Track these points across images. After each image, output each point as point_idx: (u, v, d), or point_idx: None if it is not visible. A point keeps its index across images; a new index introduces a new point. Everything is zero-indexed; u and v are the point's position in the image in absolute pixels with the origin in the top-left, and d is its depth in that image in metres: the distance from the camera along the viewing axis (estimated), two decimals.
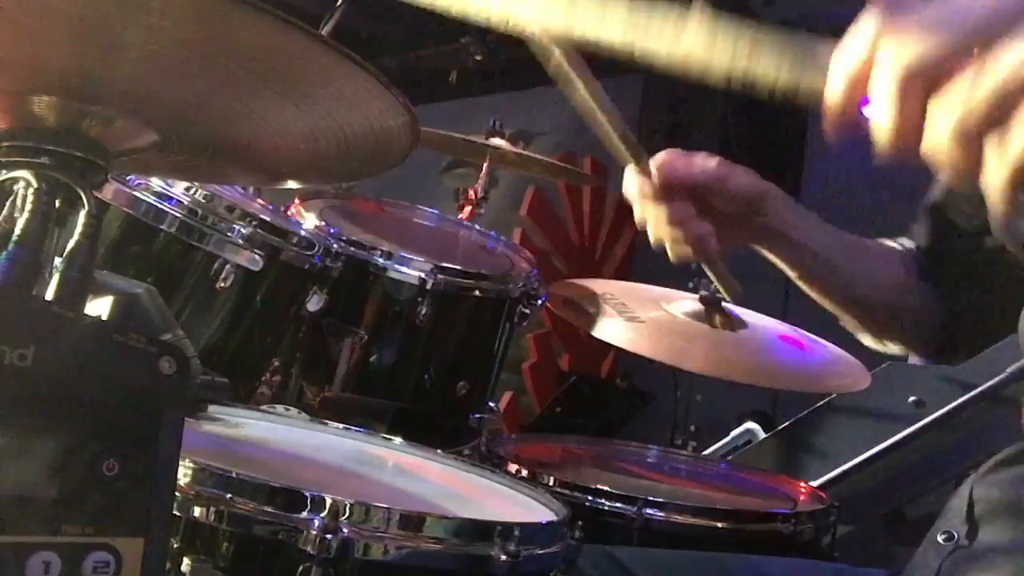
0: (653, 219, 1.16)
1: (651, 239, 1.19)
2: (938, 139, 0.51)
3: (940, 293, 1.27)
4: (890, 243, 1.34)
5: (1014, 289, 1.04)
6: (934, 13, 0.51)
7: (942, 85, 0.51)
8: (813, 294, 1.30)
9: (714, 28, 0.59)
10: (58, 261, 0.69)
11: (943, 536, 0.95)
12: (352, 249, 1.73)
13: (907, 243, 1.33)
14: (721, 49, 0.58)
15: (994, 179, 0.50)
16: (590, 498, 1.39)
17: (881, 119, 0.52)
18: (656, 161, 1.14)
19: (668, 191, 1.14)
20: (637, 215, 1.18)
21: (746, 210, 1.19)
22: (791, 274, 1.27)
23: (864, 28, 0.53)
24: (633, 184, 1.15)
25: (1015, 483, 0.93)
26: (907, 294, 1.27)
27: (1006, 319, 1.03)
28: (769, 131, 4.21)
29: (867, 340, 1.37)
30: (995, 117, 0.50)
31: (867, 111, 0.54)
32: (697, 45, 0.59)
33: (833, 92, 0.54)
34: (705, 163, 1.16)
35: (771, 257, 1.27)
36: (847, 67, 0.54)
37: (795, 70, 0.57)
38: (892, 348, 1.37)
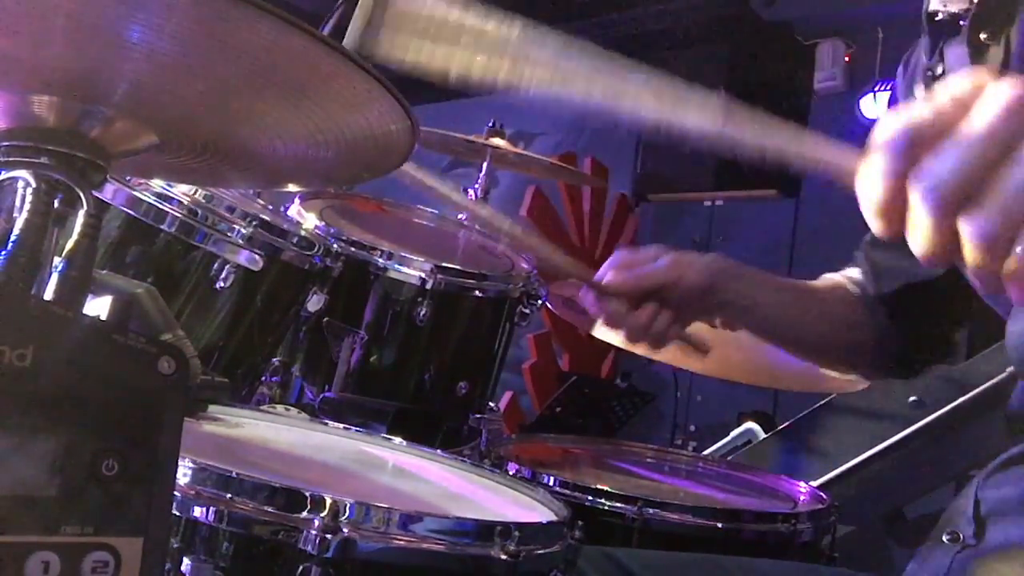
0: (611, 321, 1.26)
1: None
2: (974, 253, 0.52)
3: (900, 322, 1.29)
4: (838, 278, 1.36)
5: (959, 307, 1.09)
6: (956, 140, 0.52)
7: (972, 196, 0.52)
8: (774, 345, 1.36)
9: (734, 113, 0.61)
10: (57, 261, 0.69)
11: (948, 536, 0.95)
12: (352, 249, 1.73)
13: (855, 275, 1.35)
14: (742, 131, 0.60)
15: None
16: (590, 498, 1.39)
17: (919, 239, 0.54)
18: (608, 278, 1.25)
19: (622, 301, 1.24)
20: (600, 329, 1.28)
21: (699, 300, 1.25)
22: (747, 331, 1.33)
23: (890, 152, 0.54)
24: (592, 303, 1.27)
25: (1018, 482, 0.93)
26: (862, 329, 1.30)
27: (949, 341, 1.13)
28: None
29: (835, 375, 1.41)
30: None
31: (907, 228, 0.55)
32: (716, 124, 0.62)
33: (873, 208, 0.56)
34: (654, 268, 1.23)
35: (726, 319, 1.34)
36: (879, 194, 0.55)
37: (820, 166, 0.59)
38: (861, 378, 1.41)
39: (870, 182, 0.55)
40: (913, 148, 0.53)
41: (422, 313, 1.74)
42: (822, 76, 4.37)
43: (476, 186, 2.31)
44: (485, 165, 2.38)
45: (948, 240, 0.53)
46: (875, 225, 0.56)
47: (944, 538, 0.95)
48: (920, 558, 0.98)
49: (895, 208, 0.54)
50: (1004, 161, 0.51)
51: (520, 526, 0.93)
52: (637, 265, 1.25)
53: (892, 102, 1.30)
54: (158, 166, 0.86)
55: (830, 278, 1.37)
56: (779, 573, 1.20)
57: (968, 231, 0.52)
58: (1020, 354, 0.96)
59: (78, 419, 0.57)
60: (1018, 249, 0.51)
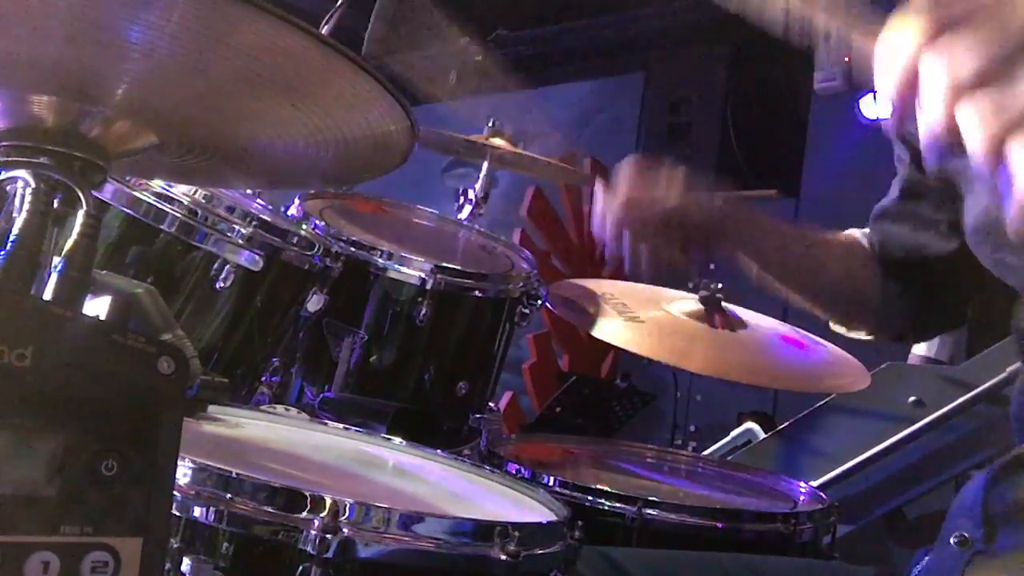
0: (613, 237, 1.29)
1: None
2: (978, 140, 0.52)
3: (909, 292, 1.29)
4: (856, 233, 1.36)
5: (967, 282, 1.10)
6: (982, 22, 0.52)
7: (985, 80, 0.52)
8: (776, 288, 1.36)
9: None
10: (57, 261, 0.69)
11: (956, 540, 0.94)
12: (352, 249, 1.73)
13: (861, 231, 1.36)
14: None
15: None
16: (590, 498, 1.39)
17: (931, 123, 0.54)
18: (620, 194, 1.27)
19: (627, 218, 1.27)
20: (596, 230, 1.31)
21: (706, 234, 1.29)
22: (752, 270, 1.34)
23: (911, 28, 0.54)
24: (599, 206, 1.29)
25: None
26: (870, 284, 1.30)
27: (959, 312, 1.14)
28: (769, 131, 4.21)
29: (835, 326, 1.41)
30: None
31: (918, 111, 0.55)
32: None
33: (885, 88, 0.56)
34: (667, 193, 1.27)
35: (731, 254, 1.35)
36: (897, 69, 0.55)
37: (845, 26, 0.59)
38: (858, 333, 1.40)
39: (892, 46, 0.55)
40: (944, 16, 0.53)
41: (422, 313, 1.74)
42: (822, 76, 4.37)
43: (476, 186, 2.31)
44: (485, 165, 2.38)
45: (953, 119, 0.53)
46: (887, 90, 0.56)
47: (952, 540, 0.95)
48: (928, 561, 0.98)
49: (912, 75, 0.54)
50: (1018, 51, 0.51)
51: (520, 526, 0.93)
52: (649, 188, 1.28)
53: None
54: (158, 166, 0.86)
55: (847, 232, 1.37)
56: (775, 569, 1.20)
57: (983, 105, 0.52)
58: (1021, 335, 0.96)
59: (78, 419, 0.57)
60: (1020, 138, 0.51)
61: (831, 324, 1.42)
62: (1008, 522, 0.92)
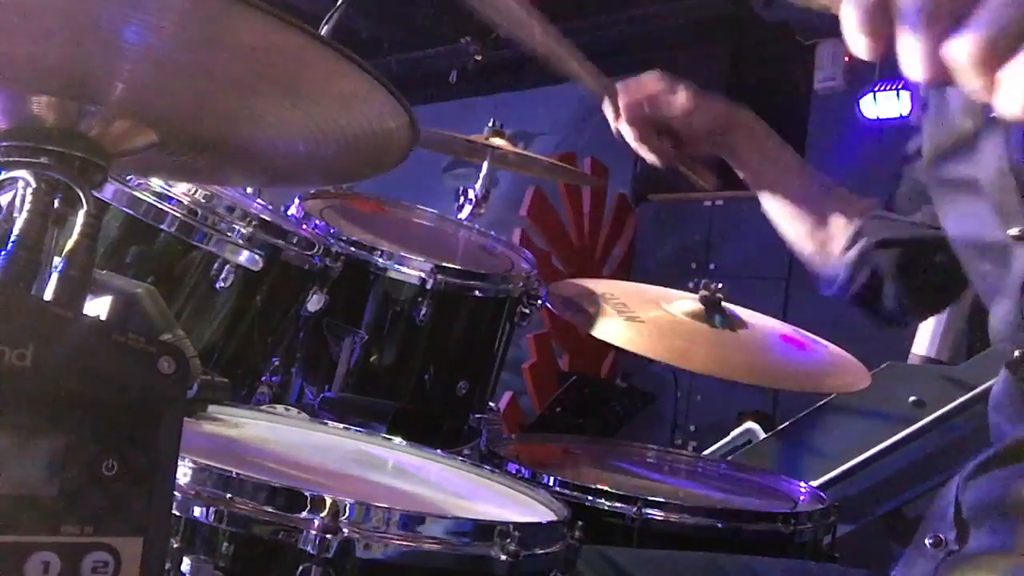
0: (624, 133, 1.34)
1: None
2: (962, 59, 0.51)
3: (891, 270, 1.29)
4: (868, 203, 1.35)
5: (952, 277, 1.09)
6: None
7: (965, 7, 0.51)
8: (772, 213, 1.37)
9: None
10: (57, 261, 0.69)
11: (931, 541, 0.95)
12: (352, 249, 1.73)
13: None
14: None
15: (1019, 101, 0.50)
16: (590, 498, 1.39)
17: (909, 51, 0.53)
18: (626, 91, 1.33)
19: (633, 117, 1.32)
20: (613, 127, 1.36)
21: (711, 139, 1.32)
22: (754, 191, 1.37)
23: None
24: (606, 108, 1.35)
25: (999, 484, 0.92)
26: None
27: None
28: None
29: (815, 264, 1.40)
30: (1014, 43, 0.50)
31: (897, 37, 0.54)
32: None
33: (854, 21, 0.55)
34: (674, 99, 1.32)
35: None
36: (864, 9, 0.54)
37: None
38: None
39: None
40: None
41: (422, 313, 1.74)
42: (822, 76, 4.38)
43: (476, 186, 2.31)
44: (485, 165, 2.38)
45: (936, 59, 0.52)
46: (858, 45, 0.55)
47: (927, 542, 0.95)
48: (905, 563, 0.98)
49: (880, 25, 0.53)
50: None
51: (520, 526, 0.93)
52: (657, 94, 1.33)
53: None
54: (158, 165, 0.86)
55: (864, 201, 1.37)
56: (772, 570, 1.20)
57: (955, 42, 0.51)
58: (1002, 336, 0.96)
59: (78, 419, 0.57)
60: (1008, 67, 0.50)
61: (812, 262, 1.40)
62: (980, 524, 0.92)
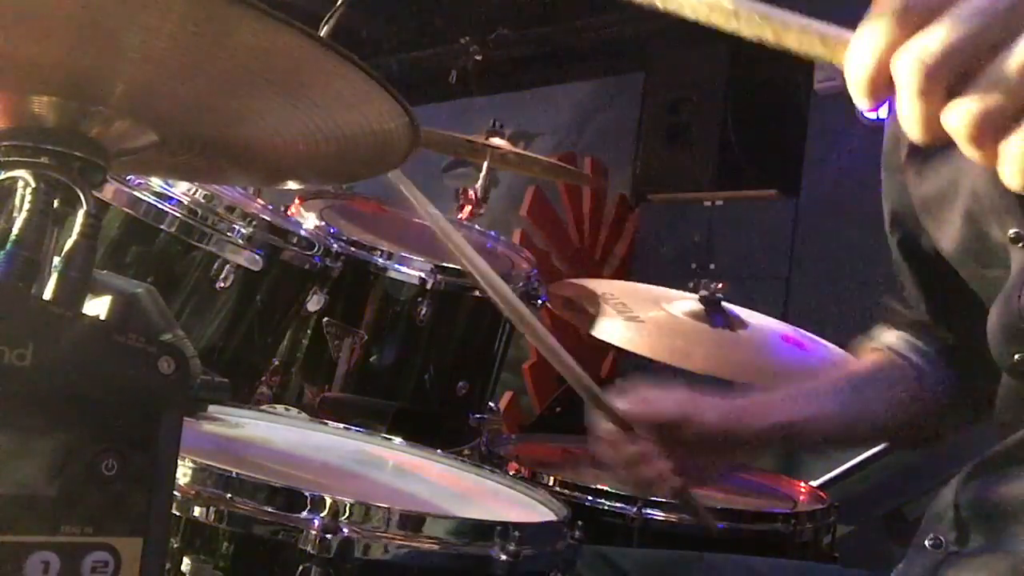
0: (618, 459, 1.10)
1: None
2: (961, 132, 0.50)
3: (947, 370, 1.18)
4: (875, 355, 1.22)
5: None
6: (952, 13, 0.50)
7: (966, 75, 0.50)
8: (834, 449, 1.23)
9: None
10: (57, 261, 0.69)
11: (931, 542, 0.95)
12: (352, 249, 1.73)
13: (891, 341, 1.21)
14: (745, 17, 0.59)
15: (1017, 166, 0.50)
16: (590, 498, 1.39)
17: (908, 112, 0.52)
18: (623, 405, 1.08)
19: (632, 431, 1.08)
20: (599, 452, 1.13)
21: (722, 441, 1.10)
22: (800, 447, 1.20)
23: (882, 17, 0.53)
24: (598, 426, 1.11)
25: (999, 485, 0.92)
26: (921, 398, 1.17)
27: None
28: (769, 132, 4.20)
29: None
30: (1016, 109, 0.49)
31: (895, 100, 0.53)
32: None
33: (857, 81, 0.54)
34: (671, 405, 1.09)
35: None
36: (868, 56, 0.53)
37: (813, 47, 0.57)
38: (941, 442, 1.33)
39: (859, 53, 0.53)
40: (907, 18, 0.51)
41: (422, 313, 1.74)
42: (822, 76, 4.37)
43: (476, 186, 2.31)
44: (485, 165, 2.38)
45: (936, 124, 0.51)
46: (860, 100, 0.54)
47: (926, 543, 0.95)
48: (904, 563, 0.98)
49: (881, 81, 0.52)
50: (1002, 42, 0.49)
51: (520, 526, 0.93)
52: (651, 397, 1.10)
53: None
54: (158, 165, 0.86)
55: (867, 359, 1.23)
56: (772, 570, 1.20)
57: (955, 111, 0.50)
58: (996, 342, 0.96)
59: (78, 419, 0.57)
60: (1012, 136, 0.49)
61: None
62: (980, 525, 0.92)
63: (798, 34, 0.56)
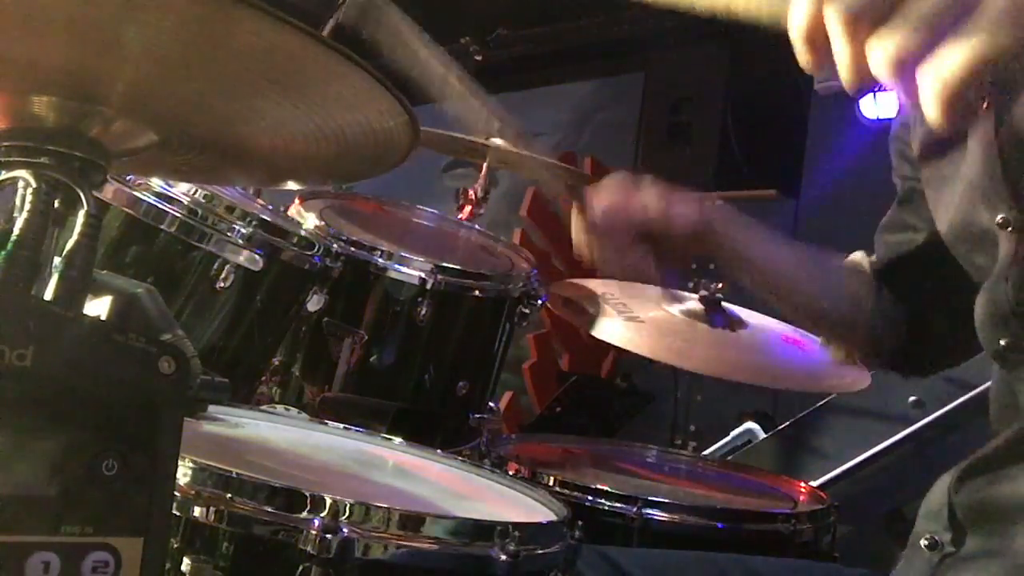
0: (592, 247, 1.18)
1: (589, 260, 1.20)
2: (882, 69, 0.59)
3: (901, 306, 1.25)
4: (858, 256, 1.31)
5: (965, 299, 1.02)
6: None
7: (884, 21, 0.59)
8: (770, 302, 1.32)
9: None
10: (57, 261, 0.69)
11: (927, 543, 0.95)
12: (352, 249, 1.73)
13: (873, 258, 1.31)
14: None
15: (929, 99, 0.58)
16: (590, 498, 1.39)
17: (838, 56, 0.61)
18: (597, 199, 1.16)
19: (607, 225, 1.15)
20: (575, 241, 1.20)
21: (692, 240, 1.18)
22: (746, 284, 1.28)
23: None
24: (574, 219, 1.18)
25: (993, 486, 0.92)
26: (864, 306, 1.25)
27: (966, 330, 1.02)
28: (769, 132, 4.21)
29: (825, 345, 1.39)
30: (926, 44, 0.58)
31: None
32: None
33: (798, 37, 0.64)
34: (646, 199, 1.16)
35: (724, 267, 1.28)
36: (804, 13, 0.63)
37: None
38: (859, 360, 1.38)
39: (797, 11, 0.62)
40: None
41: (422, 313, 1.74)
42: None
43: (476, 186, 2.31)
44: (485, 165, 2.38)
45: (863, 62, 0.59)
46: (803, 57, 0.64)
47: (923, 544, 0.95)
48: (903, 565, 0.98)
49: (818, 36, 0.62)
50: None
51: (520, 526, 0.93)
52: (629, 198, 1.17)
53: None
54: (158, 165, 0.86)
55: (853, 256, 1.33)
56: (772, 569, 1.20)
57: (875, 50, 0.58)
58: (983, 328, 0.96)
59: (78, 419, 0.57)
60: (927, 67, 0.57)
61: (821, 343, 1.40)
62: (977, 526, 0.92)
63: (746, 1, 0.65)
